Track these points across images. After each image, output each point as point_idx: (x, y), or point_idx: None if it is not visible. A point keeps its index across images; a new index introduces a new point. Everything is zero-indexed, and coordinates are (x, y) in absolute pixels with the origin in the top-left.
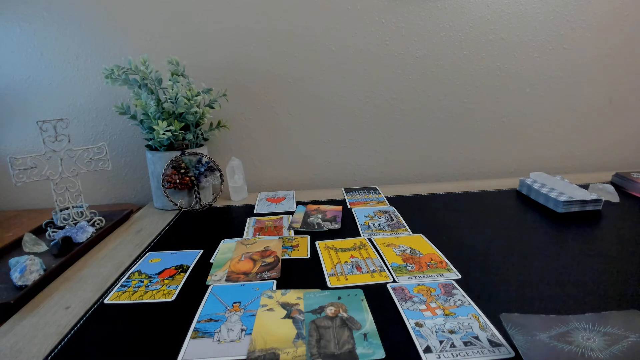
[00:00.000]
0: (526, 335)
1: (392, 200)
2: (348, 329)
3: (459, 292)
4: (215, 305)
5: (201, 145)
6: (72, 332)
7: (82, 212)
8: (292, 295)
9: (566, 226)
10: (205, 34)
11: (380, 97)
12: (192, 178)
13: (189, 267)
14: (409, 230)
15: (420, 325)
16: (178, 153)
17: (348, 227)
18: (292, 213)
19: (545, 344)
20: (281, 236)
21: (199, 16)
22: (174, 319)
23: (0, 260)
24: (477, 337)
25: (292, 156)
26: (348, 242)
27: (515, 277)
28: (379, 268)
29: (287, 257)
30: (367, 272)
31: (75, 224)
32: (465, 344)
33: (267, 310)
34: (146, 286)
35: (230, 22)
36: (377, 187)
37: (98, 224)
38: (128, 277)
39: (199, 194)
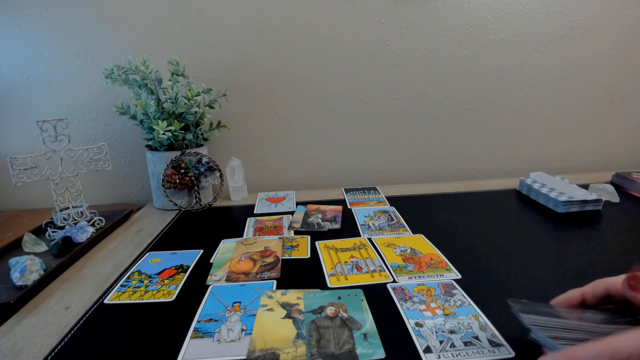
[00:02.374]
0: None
1: (392, 200)
2: (348, 329)
3: (459, 292)
4: (215, 305)
5: (201, 145)
6: (72, 332)
7: (82, 212)
8: (292, 295)
9: (566, 226)
10: (205, 34)
11: (380, 97)
12: (192, 178)
13: (189, 267)
14: (409, 230)
15: (420, 325)
16: (178, 153)
17: (348, 227)
18: (292, 213)
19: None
20: (281, 236)
21: (199, 16)
22: (174, 319)
23: (0, 260)
24: (477, 337)
25: (292, 156)
26: (348, 242)
27: (515, 277)
28: (379, 268)
29: (287, 257)
30: (367, 272)
31: (75, 224)
32: (465, 344)
33: (267, 310)
34: (146, 286)
35: (230, 22)
36: (377, 187)
37: (98, 224)
38: (128, 277)
39: (199, 194)
